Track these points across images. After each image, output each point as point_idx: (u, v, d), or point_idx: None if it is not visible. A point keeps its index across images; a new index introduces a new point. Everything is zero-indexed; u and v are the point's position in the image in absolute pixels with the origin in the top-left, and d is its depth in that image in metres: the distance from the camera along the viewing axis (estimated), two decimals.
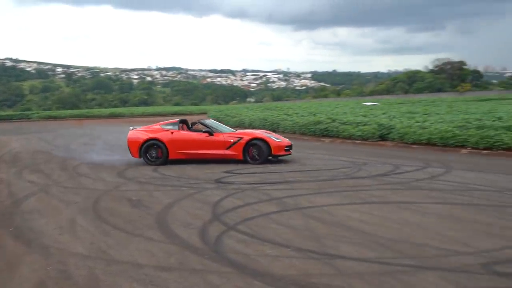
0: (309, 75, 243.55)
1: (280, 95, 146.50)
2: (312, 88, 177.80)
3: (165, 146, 11.28)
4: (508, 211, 6.03)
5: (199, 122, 12.10)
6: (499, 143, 12.40)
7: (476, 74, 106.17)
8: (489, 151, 12.45)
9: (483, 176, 8.80)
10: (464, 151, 13.21)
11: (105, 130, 26.47)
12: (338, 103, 52.63)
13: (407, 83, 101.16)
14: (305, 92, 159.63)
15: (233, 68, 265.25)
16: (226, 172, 9.85)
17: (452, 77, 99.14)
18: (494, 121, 14.80)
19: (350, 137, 17.78)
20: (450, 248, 4.43)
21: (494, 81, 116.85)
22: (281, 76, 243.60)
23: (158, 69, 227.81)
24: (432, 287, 3.45)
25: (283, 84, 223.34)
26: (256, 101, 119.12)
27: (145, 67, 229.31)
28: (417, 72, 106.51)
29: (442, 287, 3.44)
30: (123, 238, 5.06)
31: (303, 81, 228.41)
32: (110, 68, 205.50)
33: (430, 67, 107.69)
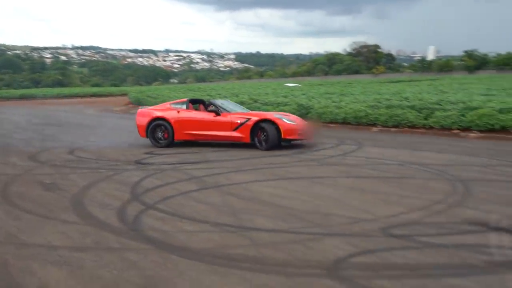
0: (232, 56, 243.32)
1: (204, 76, 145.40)
2: (236, 69, 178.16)
3: (171, 126, 10.55)
4: (406, 182, 6.65)
5: (208, 102, 11.32)
6: (405, 121, 13.46)
7: (390, 57, 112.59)
8: (397, 129, 13.47)
9: (389, 152, 9.57)
10: (375, 129, 14.19)
11: (16, 113, 24.80)
12: (261, 84, 53.41)
13: (327, 65, 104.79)
14: (229, 74, 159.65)
15: (155, 48, 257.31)
16: (147, 153, 9.76)
17: (368, 59, 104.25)
18: (401, 101, 15.94)
19: None
20: (354, 216, 4.84)
21: (405, 64, 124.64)
22: (204, 57, 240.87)
23: (74, 48, 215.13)
24: (335, 250, 3.79)
25: (207, 65, 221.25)
26: (180, 82, 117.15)
27: (60, 45, 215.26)
28: (336, 55, 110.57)
29: (344, 250, 3.79)
30: (35, 222, 4.91)
31: (227, 62, 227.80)
32: (19, 46, 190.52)
33: (348, 50, 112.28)
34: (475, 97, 15.75)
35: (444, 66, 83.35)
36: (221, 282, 3.21)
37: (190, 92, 33.97)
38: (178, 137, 10.66)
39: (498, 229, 4.36)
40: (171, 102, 11.89)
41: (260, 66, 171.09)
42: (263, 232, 4.40)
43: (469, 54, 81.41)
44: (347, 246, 3.89)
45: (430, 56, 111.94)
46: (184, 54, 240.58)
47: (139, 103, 30.90)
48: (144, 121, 10.91)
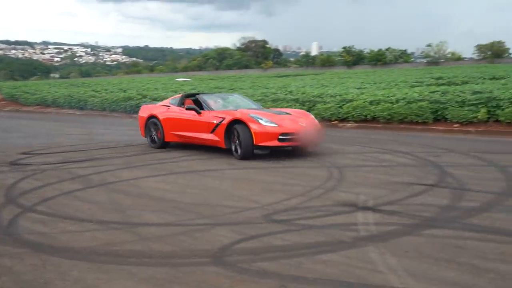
0: (120, 50, 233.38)
1: (89, 70, 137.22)
2: (124, 63, 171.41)
3: (161, 125, 9.44)
4: (289, 171, 7.11)
5: (197, 96, 9.63)
6: None
7: (277, 53, 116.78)
8: None
9: None
10: None
11: None
12: (151, 79, 52.10)
13: (218, 59, 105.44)
14: (117, 68, 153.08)
15: (31, 40, 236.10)
16: (24, 153, 9.06)
17: (257, 54, 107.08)
18: (286, 94, 16.78)
19: None
20: (240, 205, 5.08)
21: (292, 59, 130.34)
22: (89, 50, 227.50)
23: None
24: (221, 238, 3.96)
25: (91, 59, 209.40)
26: (62, 77, 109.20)
27: None
28: (226, 49, 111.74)
29: (229, 238, 3.98)
30: None
31: (113, 56, 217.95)
32: None
33: (238, 44, 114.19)
34: (351, 90, 17.16)
35: (326, 61, 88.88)
36: (106, 279, 3.19)
37: (73, 87, 31.97)
38: (167, 137, 9.44)
39: (365, 208, 4.90)
40: (172, 97, 10.67)
41: (149, 60, 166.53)
42: (150, 226, 4.41)
43: (347, 50, 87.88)
44: (232, 234, 4.09)
45: (314, 52, 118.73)
46: (66, 47, 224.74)
47: (13, 99, 28.33)
48: (143, 118, 10.00)
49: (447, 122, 12.03)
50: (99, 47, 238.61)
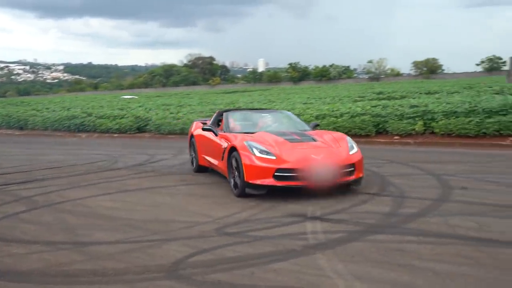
0: (61, 67, 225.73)
1: (27, 88, 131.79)
2: (66, 81, 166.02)
3: (195, 144, 8.46)
4: None
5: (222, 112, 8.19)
6: None
7: (224, 69, 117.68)
8: None
9: None
10: None
11: None
12: (96, 96, 50.84)
13: (164, 76, 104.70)
14: (58, 86, 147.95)
15: None
16: None
17: (204, 71, 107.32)
18: None
19: (108, 131, 17.68)
20: (192, 220, 5.12)
21: (239, 75, 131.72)
22: (27, 67, 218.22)
23: None
24: (174, 253, 4.00)
25: (30, 76, 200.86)
26: None
27: None
28: (173, 66, 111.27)
29: (182, 252, 4.02)
30: None
31: (54, 74, 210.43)
32: None
33: (185, 61, 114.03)
34: (297, 105, 17.65)
35: (272, 77, 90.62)
36: None
37: (11, 106, 30.54)
38: (201, 161, 8.19)
39: (313, 218, 5.10)
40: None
41: (93, 78, 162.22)
42: (101, 245, 4.36)
43: (293, 67, 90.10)
44: (185, 248, 4.13)
45: (261, 68, 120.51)
46: (2, 64, 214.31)
47: None
48: (188, 136, 9.09)
49: (388, 135, 12.68)
50: (38, 64, 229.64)
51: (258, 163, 5.93)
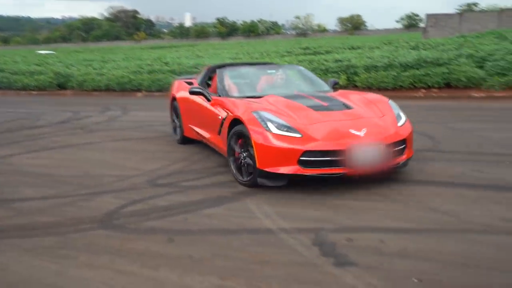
0: None
1: None
2: None
3: (179, 110, 6.70)
4: (170, 139, 7.22)
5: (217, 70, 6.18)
6: (167, 85, 14.14)
7: (149, 24, 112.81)
8: (160, 93, 14.04)
9: (153, 114, 10.09)
10: (139, 94, 14.51)
11: None
12: (7, 51, 47.04)
13: (84, 30, 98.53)
14: None
15: None
16: None
17: (127, 25, 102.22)
18: (162, 66, 16.59)
19: (25, 88, 16.59)
20: (123, 174, 5.15)
21: (165, 30, 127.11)
22: None
23: None
24: (106, 205, 4.05)
25: None
26: None
27: None
28: (93, 20, 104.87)
29: (114, 204, 4.08)
30: None
31: None
32: None
33: (106, 14, 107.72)
34: (226, 61, 17.57)
35: (200, 32, 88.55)
36: None
37: None
38: (187, 131, 6.50)
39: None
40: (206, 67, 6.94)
41: (2, 31, 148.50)
42: (29, 201, 4.30)
43: (221, 22, 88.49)
44: (117, 200, 4.20)
45: (188, 23, 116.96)
46: None
47: None
48: (169, 100, 7.31)
49: None
50: None
51: (276, 143, 4.22)
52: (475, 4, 60.11)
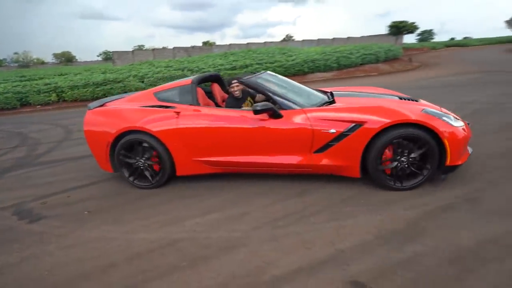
0: None
1: None
2: None
3: (166, 145, 4.07)
4: None
5: (238, 81, 4.17)
6: None
7: None
8: None
9: None
10: None
11: None
12: None
13: None
14: None
15: None
16: None
17: None
18: None
19: None
20: None
21: None
22: None
23: None
24: None
25: None
26: None
27: None
28: None
29: None
30: None
31: None
32: None
33: None
34: None
35: None
36: None
37: None
38: (182, 168, 4.20)
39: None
40: (155, 89, 4.45)
41: None
42: None
43: None
44: None
45: None
46: None
47: None
48: (104, 137, 4.26)
49: (32, 105, 14.43)
50: None
51: (462, 134, 3.52)
52: (142, 46, 68.44)
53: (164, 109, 4.08)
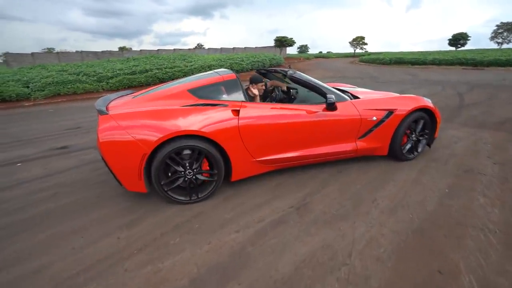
0: None
1: None
2: None
3: (223, 150, 2.79)
4: None
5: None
6: None
7: None
8: None
9: None
10: None
11: None
12: None
13: None
14: None
15: None
16: None
17: None
18: None
19: None
20: None
21: None
22: None
23: None
24: None
25: None
26: None
27: None
28: None
29: None
30: None
31: None
32: None
33: None
34: None
35: None
36: None
37: None
38: (243, 170, 2.93)
39: None
40: (186, 86, 2.82)
41: None
42: None
43: None
44: None
45: None
46: None
47: None
48: (134, 150, 2.48)
49: None
50: None
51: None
52: (52, 49, 58.22)
53: (218, 107, 2.81)
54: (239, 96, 2.97)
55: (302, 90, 3.89)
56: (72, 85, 11.81)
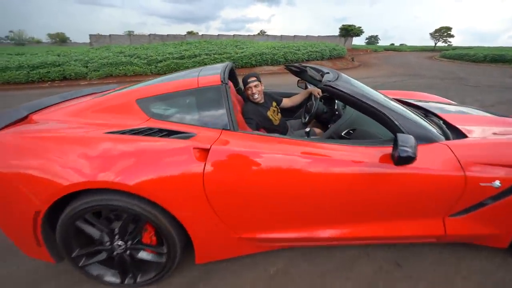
0: None
1: None
2: None
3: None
4: None
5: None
6: None
7: None
8: None
9: None
10: None
11: None
12: None
13: None
14: None
15: None
16: None
17: None
18: None
19: None
20: None
21: None
22: None
23: None
24: None
25: None
26: None
27: None
28: None
29: None
30: None
31: None
32: None
33: None
34: None
35: None
36: None
37: None
38: (207, 253, 1.70)
39: None
40: (136, 91, 1.70)
41: None
42: None
43: None
44: None
45: None
46: None
47: None
48: (14, 201, 1.41)
49: None
50: None
51: None
52: (132, 32, 62.48)
53: (169, 139, 1.51)
54: (218, 119, 1.61)
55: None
56: (124, 67, 12.14)
